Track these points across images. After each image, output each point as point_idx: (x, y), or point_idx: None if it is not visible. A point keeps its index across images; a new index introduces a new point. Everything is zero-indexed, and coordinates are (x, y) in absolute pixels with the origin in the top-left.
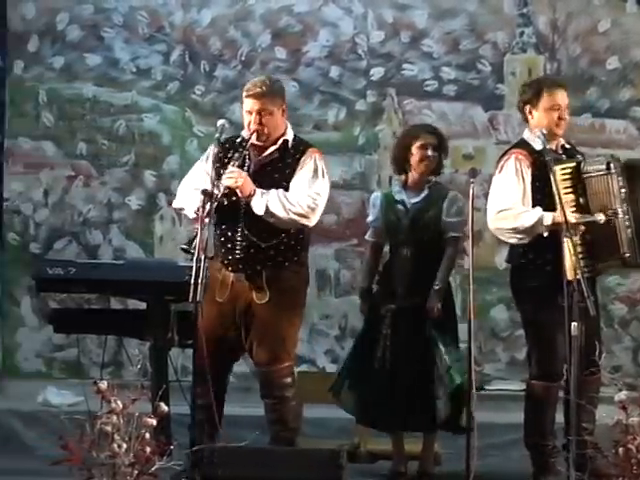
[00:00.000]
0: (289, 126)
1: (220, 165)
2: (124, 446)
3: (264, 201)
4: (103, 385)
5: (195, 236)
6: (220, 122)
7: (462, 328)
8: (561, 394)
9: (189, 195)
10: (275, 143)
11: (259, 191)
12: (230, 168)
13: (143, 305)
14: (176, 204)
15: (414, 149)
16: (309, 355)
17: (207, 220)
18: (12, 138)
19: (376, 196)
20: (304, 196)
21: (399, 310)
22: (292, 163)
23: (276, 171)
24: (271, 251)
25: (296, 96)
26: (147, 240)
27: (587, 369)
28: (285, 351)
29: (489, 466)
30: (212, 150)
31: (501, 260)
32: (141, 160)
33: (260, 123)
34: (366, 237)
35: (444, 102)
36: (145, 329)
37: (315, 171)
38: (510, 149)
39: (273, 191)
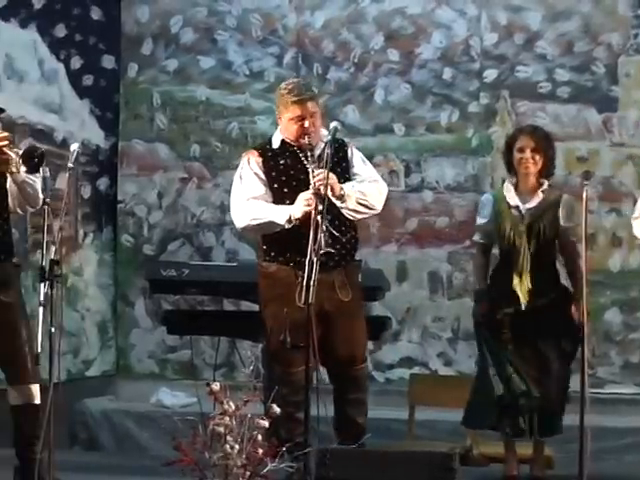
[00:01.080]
0: None
1: (276, 173)
2: (236, 447)
3: (353, 194)
4: (216, 386)
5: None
6: (333, 124)
7: None
8: None
9: (264, 208)
10: (321, 142)
11: (345, 187)
12: (315, 172)
13: (256, 307)
14: (254, 221)
15: (514, 151)
16: (421, 358)
17: (319, 221)
18: (126, 140)
19: (487, 197)
20: (374, 184)
21: (518, 314)
22: (343, 157)
23: (335, 167)
24: (348, 245)
25: (409, 98)
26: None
27: None
28: (363, 350)
29: (602, 470)
30: (255, 160)
31: (615, 263)
32: None
33: (314, 125)
34: (474, 238)
35: (558, 104)
36: (258, 331)
37: (364, 161)
38: None
39: (351, 184)
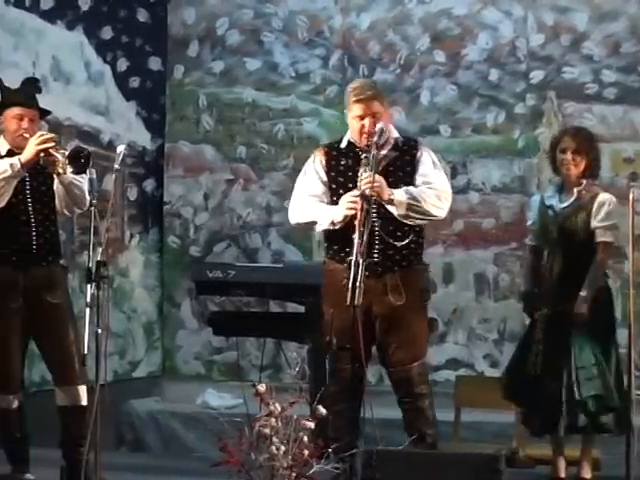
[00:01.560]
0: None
1: (336, 173)
2: (282, 449)
3: (404, 200)
4: (262, 388)
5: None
6: (378, 126)
7: (623, 333)
8: None
9: (317, 207)
10: (388, 143)
11: (396, 192)
12: (364, 175)
13: (301, 308)
14: (304, 218)
15: (557, 152)
16: (467, 359)
17: (365, 223)
18: (172, 142)
19: (534, 199)
20: (435, 189)
21: (550, 315)
22: (410, 159)
23: (398, 170)
24: (404, 251)
25: (455, 99)
26: (305, 243)
27: None
28: (420, 350)
29: None
30: (320, 159)
31: None
32: (300, 164)
33: (374, 126)
34: (526, 241)
35: (604, 105)
36: (303, 332)
37: (434, 164)
38: None
39: (407, 189)
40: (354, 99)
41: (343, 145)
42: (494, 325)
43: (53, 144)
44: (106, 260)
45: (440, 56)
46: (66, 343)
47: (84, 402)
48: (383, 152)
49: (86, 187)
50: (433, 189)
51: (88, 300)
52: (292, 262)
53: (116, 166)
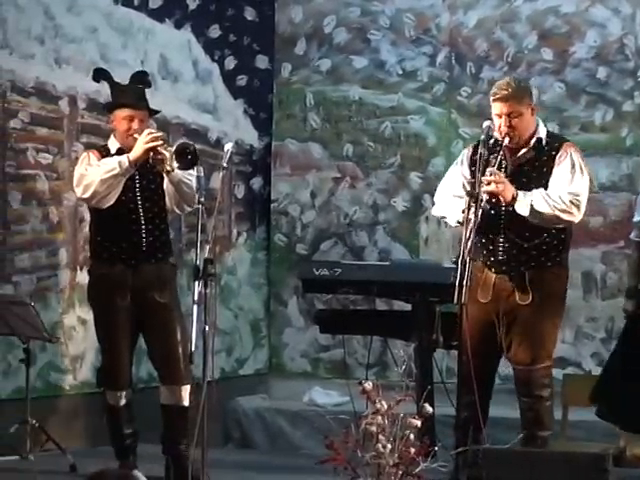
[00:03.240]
0: (541, 123)
1: (476, 167)
2: (389, 447)
3: (528, 202)
4: (368, 385)
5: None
6: (486, 123)
7: None
8: None
9: (449, 202)
10: (528, 143)
11: (521, 193)
12: (488, 171)
13: (408, 306)
14: (437, 212)
15: None
16: (575, 358)
17: (473, 222)
18: (280, 140)
19: None
20: (566, 192)
21: None
22: (548, 160)
23: (533, 170)
24: (533, 251)
25: (562, 97)
26: (412, 241)
27: None
28: (545, 352)
29: None
30: (466, 153)
31: None
32: (407, 162)
33: (510, 125)
34: (631, 236)
35: None
36: (410, 330)
37: (573, 166)
38: None
39: (535, 191)
40: (492, 98)
41: (491, 141)
42: (601, 324)
43: (161, 142)
44: (213, 258)
45: (547, 54)
46: (172, 343)
47: (186, 403)
48: (522, 152)
49: (194, 185)
50: (564, 193)
51: (196, 298)
52: (399, 260)
53: (224, 164)
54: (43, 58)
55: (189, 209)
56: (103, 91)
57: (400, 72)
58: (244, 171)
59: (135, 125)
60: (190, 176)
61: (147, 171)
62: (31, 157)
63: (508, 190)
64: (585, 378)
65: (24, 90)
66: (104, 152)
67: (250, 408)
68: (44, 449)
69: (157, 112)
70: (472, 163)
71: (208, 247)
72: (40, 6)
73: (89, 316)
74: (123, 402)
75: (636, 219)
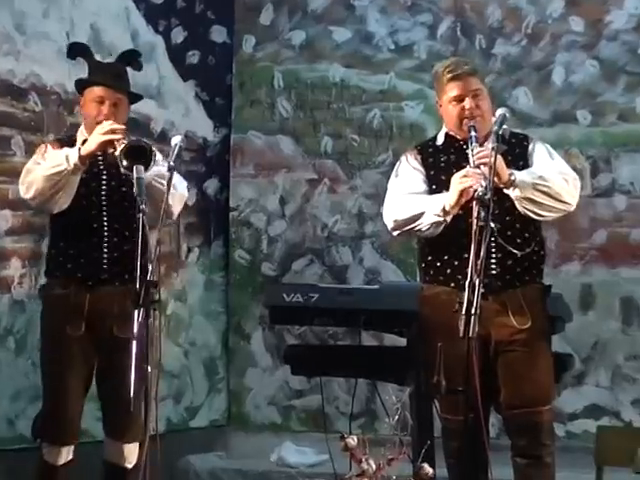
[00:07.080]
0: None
1: (435, 171)
2: None
3: (528, 181)
4: (352, 441)
5: None
6: (500, 111)
7: None
8: None
9: (418, 200)
10: (487, 139)
11: (516, 172)
12: (475, 150)
13: (402, 341)
14: (404, 214)
15: None
16: (612, 405)
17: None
18: (241, 132)
19: None
20: (557, 175)
21: None
22: (521, 153)
23: (507, 166)
24: (526, 262)
25: (596, 78)
26: (407, 259)
27: None
28: (552, 391)
29: None
30: (413, 159)
31: None
32: None
33: (478, 106)
34: None
35: None
36: (405, 371)
37: (550, 154)
38: None
39: (528, 170)
40: (449, 76)
41: (440, 142)
42: None
43: (121, 136)
44: (157, 280)
45: (577, 24)
46: (125, 390)
47: (129, 464)
48: (488, 144)
49: (135, 190)
50: (557, 174)
51: (135, 331)
52: (390, 283)
53: (170, 162)
54: None
55: (169, 221)
56: (18, 70)
57: (392, 47)
58: (196, 171)
59: (105, 109)
60: (161, 179)
61: (118, 170)
62: None
63: (505, 169)
64: (624, 431)
65: None
66: (68, 145)
67: (204, 468)
68: None
69: (140, 98)
70: (428, 167)
71: (150, 267)
72: None
73: None
74: (63, 461)
75: None
